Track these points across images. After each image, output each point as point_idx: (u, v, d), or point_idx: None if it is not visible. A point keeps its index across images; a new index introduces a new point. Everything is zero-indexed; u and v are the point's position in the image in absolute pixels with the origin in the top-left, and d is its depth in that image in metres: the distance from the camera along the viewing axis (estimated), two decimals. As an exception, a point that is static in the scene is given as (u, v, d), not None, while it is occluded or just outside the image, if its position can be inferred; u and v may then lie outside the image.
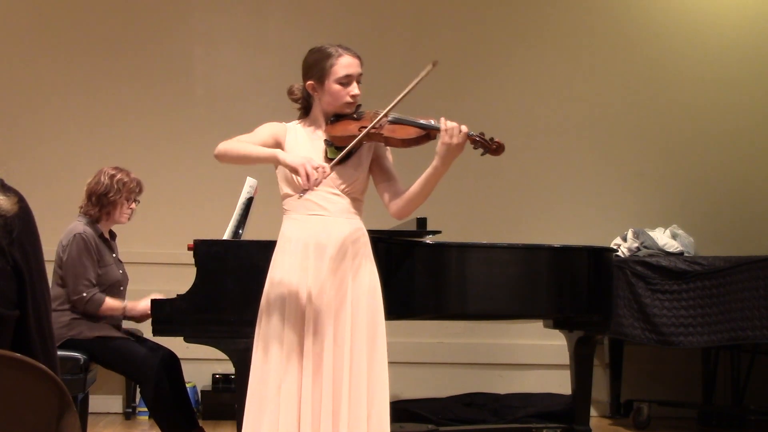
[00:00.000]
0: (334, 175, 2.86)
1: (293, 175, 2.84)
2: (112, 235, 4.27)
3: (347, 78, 2.89)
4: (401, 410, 5.10)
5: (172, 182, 5.67)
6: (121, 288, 4.13)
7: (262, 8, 5.90)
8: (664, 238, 5.50)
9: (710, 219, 5.89)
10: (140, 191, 4.20)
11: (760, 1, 6.08)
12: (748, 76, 6.03)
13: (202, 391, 5.44)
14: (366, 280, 2.89)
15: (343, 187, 2.90)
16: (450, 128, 2.76)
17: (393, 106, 2.84)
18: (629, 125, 5.99)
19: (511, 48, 5.98)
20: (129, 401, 5.42)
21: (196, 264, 3.53)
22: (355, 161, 2.91)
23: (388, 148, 3.01)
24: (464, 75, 5.91)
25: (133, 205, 4.18)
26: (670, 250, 5.42)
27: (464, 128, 2.77)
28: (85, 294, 3.95)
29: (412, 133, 2.85)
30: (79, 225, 4.07)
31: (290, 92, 3.05)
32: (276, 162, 2.81)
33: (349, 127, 2.90)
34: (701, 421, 5.50)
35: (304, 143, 2.96)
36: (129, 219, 4.22)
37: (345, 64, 2.89)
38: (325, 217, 2.87)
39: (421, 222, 3.77)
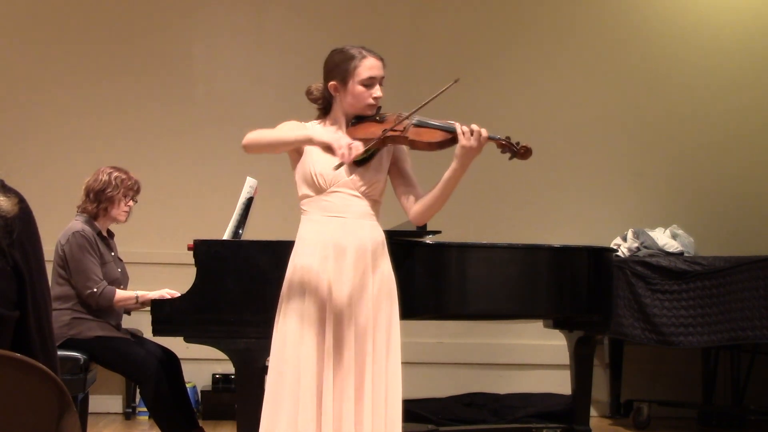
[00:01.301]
0: (354, 177, 2.87)
1: (313, 177, 2.86)
2: (110, 234, 4.27)
3: (370, 80, 2.89)
4: (401, 410, 5.11)
5: (172, 182, 5.67)
6: (121, 286, 4.13)
7: (262, 7, 5.90)
8: (664, 238, 5.50)
9: (710, 219, 5.89)
10: (138, 190, 4.21)
11: (760, 3, 6.08)
12: (748, 77, 6.03)
13: (202, 391, 5.45)
14: (386, 282, 2.90)
15: (363, 189, 2.89)
16: (468, 131, 2.78)
17: (419, 109, 2.84)
18: (629, 125, 5.99)
19: (511, 47, 5.98)
20: (129, 401, 5.43)
21: (196, 264, 3.54)
22: (375, 164, 2.91)
23: (407, 151, 3.01)
24: (464, 75, 5.86)
25: (131, 203, 4.18)
26: (670, 250, 5.42)
27: (484, 132, 2.79)
28: (95, 289, 3.96)
29: (438, 136, 2.85)
30: (77, 223, 4.07)
31: (308, 92, 3.04)
32: (310, 142, 2.79)
33: (372, 130, 2.89)
34: (701, 421, 5.51)
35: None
36: (126, 219, 4.22)
37: (369, 66, 2.89)
38: (344, 219, 2.86)
39: (421, 222, 3.77)
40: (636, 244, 5.46)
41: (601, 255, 4.19)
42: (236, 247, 3.60)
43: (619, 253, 5.42)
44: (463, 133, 2.78)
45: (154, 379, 3.88)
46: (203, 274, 3.51)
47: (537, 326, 4.96)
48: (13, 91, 5.72)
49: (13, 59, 5.74)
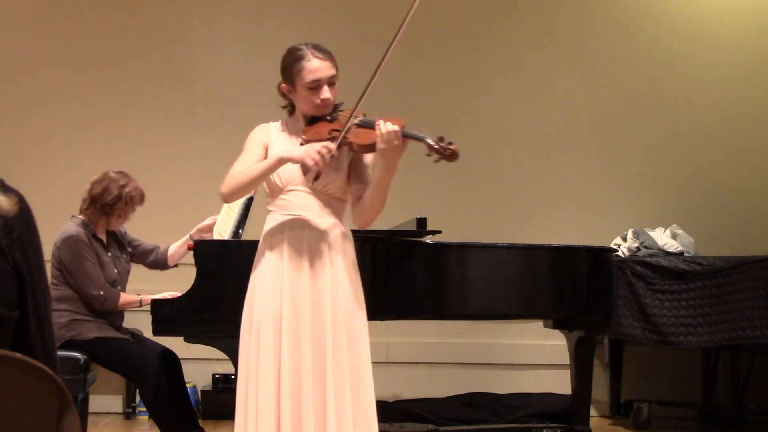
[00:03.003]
0: (309, 175, 2.80)
1: (272, 176, 2.85)
2: (116, 233, 4.25)
3: (315, 83, 2.83)
4: (401, 410, 5.10)
5: (172, 183, 5.67)
6: (119, 287, 4.12)
7: (262, 9, 5.90)
8: (664, 238, 5.50)
9: (710, 219, 5.89)
10: (142, 201, 4.19)
11: (759, 1, 6.08)
12: (748, 76, 6.03)
13: (202, 391, 5.44)
14: (344, 280, 2.84)
15: (322, 188, 2.86)
16: (384, 133, 2.66)
17: (357, 104, 2.78)
18: (629, 125, 5.99)
19: (511, 48, 5.98)
20: (129, 401, 5.43)
21: (196, 264, 3.53)
22: (335, 162, 2.85)
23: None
24: (464, 75, 5.91)
25: (131, 215, 4.19)
26: (670, 250, 5.42)
27: (395, 127, 2.66)
28: (102, 292, 3.96)
29: (373, 137, 2.72)
30: (72, 226, 4.06)
31: (279, 89, 3.01)
32: (285, 163, 2.77)
33: (321, 130, 2.84)
34: (701, 421, 5.50)
35: (283, 145, 2.93)
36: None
37: (312, 68, 2.83)
38: (303, 216, 2.85)
39: (421, 222, 3.77)
40: (636, 244, 5.46)
41: (601, 255, 4.19)
42: (236, 247, 3.60)
43: (619, 253, 5.42)
44: (381, 134, 2.66)
45: (154, 379, 3.87)
46: (203, 274, 3.51)
47: (537, 326, 4.95)
48: (14, 91, 5.72)
49: (14, 61, 5.74)
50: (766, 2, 6.09)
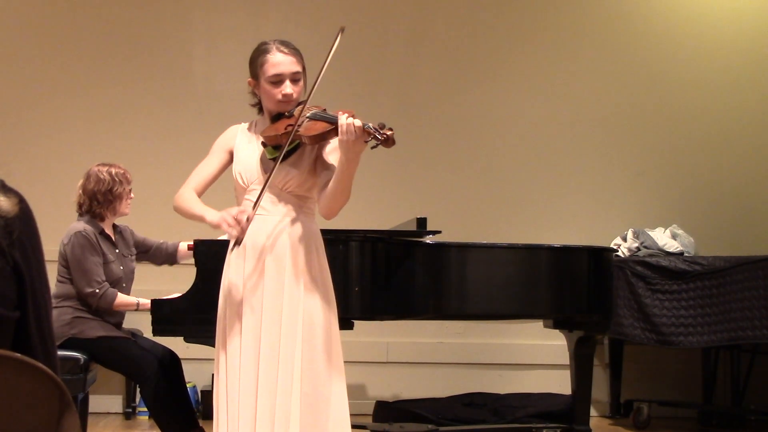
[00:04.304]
0: (274, 174, 2.78)
1: (235, 175, 2.89)
2: (117, 228, 4.26)
3: (277, 77, 2.83)
4: (401, 410, 5.10)
5: (172, 181, 5.63)
6: (123, 285, 4.12)
7: (261, 8, 5.90)
8: (664, 238, 5.50)
9: (710, 219, 5.90)
10: (130, 176, 4.24)
11: (758, 1, 6.09)
12: (748, 77, 6.03)
13: (202, 391, 5.45)
14: (305, 279, 2.80)
15: (282, 185, 2.83)
16: (344, 125, 2.59)
17: (310, 95, 2.76)
18: (629, 125, 5.99)
19: (511, 48, 5.98)
20: (129, 401, 5.43)
21: (196, 264, 3.54)
22: (294, 159, 2.83)
23: (331, 143, 2.84)
24: (464, 75, 5.91)
25: (132, 195, 4.22)
26: (670, 250, 5.42)
27: (358, 122, 2.58)
28: (97, 290, 3.96)
29: (319, 128, 2.70)
30: (79, 224, 4.08)
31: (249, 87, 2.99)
32: (203, 220, 2.80)
33: (279, 126, 2.81)
34: (701, 421, 5.51)
35: (246, 145, 2.94)
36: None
37: (274, 62, 2.84)
38: (264, 216, 2.82)
39: (421, 222, 3.78)
40: (636, 244, 5.47)
41: (601, 255, 4.19)
42: (236, 247, 3.60)
43: (619, 253, 5.42)
44: (341, 126, 2.59)
45: (154, 379, 3.88)
46: (203, 274, 3.52)
47: (537, 326, 4.96)
48: (15, 92, 5.72)
49: (13, 60, 5.74)
50: (766, 4, 6.09)
